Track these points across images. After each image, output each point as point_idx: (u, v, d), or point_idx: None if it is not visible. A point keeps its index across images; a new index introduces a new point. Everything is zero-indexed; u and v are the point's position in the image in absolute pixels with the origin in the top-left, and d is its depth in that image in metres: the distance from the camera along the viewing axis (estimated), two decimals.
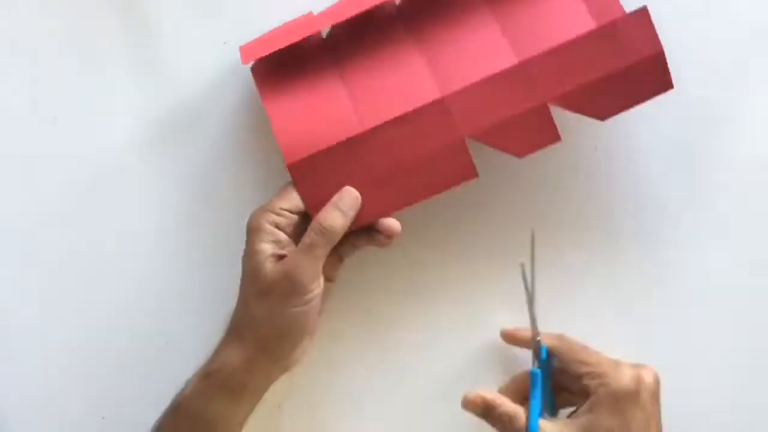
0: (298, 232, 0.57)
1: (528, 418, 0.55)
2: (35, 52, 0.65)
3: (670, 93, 0.57)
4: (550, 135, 0.57)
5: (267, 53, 0.59)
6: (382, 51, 0.59)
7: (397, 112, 0.57)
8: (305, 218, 0.58)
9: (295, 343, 0.57)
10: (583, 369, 0.56)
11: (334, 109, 0.58)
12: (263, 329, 0.56)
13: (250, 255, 0.56)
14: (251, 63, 0.61)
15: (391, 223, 0.58)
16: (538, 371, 0.57)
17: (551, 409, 0.58)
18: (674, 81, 0.57)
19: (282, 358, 0.57)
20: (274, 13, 0.64)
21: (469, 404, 0.57)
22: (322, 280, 0.56)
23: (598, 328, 0.61)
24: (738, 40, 0.64)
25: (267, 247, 0.56)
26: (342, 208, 0.57)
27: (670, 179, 0.63)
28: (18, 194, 0.65)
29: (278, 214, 0.57)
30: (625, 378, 0.55)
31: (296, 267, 0.55)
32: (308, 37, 0.60)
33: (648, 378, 0.55)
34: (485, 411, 0.56)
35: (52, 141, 0.65)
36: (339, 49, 0.60)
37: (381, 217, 0.57)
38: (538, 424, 0.55)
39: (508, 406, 0.56)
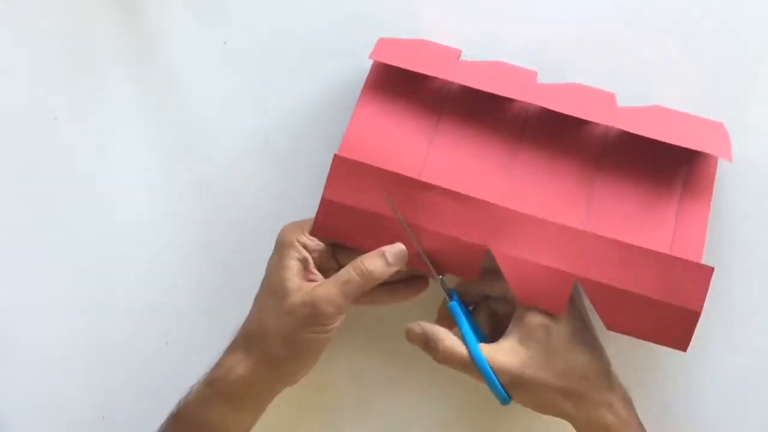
0: (322, 261, 0.57)
1: (468, 346, 0.56)
2: (35, 52, 0.65)
3: None
4: (557, 304, 0.56)
5: (397, 65, 0.59)
6: (483, 132, 0.59)
7: (454, 187, 0.57)
8: (333, 251, 0.58)
9: (305, 365, 0.57)
10: (504, 285, 0.57)
11: (410, 146, 0.58)
12: (275, 347, 0.56)
13: (277, 268, 0.56)
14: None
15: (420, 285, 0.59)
16: (454, 303, 0.58)
17: (482, 338, 0.58)
18: None
19: (288, 375, 0.57)
20: (274, 13, 0.64)
21: (412, 336, 0.57)
22: (344, 315, 0.56)
23: None
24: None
25: (295, 264, 0.56)
26: (389, 259, 0.56)
27: None
28: (18, 194, 0.65)
29: (309, 238, 0.57)
30: None
31: (325, 298, 0.55)
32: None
33: None
34: (426, 343, 0.56)
35: (52, 141, 0.65)
36: (451, 100, 0.60)
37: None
38: (479, 348, 0.55)
39: (449, 339, 0.56)
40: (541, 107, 0.59)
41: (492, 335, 0.58)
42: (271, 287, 0.56)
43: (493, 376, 0.55)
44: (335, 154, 0.57)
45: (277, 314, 0.55)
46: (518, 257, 0.56)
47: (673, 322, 0.55)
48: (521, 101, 0.59)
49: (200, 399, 0.56)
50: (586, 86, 0.60)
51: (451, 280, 0.58)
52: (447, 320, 0.59)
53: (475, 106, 0.59)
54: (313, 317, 0.55)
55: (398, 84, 0.60)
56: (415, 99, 0.60)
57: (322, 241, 0.57)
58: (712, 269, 0.55)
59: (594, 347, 0.56)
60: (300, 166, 0.64)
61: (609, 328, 0.56)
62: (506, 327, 0.57)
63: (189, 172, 0.65)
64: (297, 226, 0.57)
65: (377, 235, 0.57)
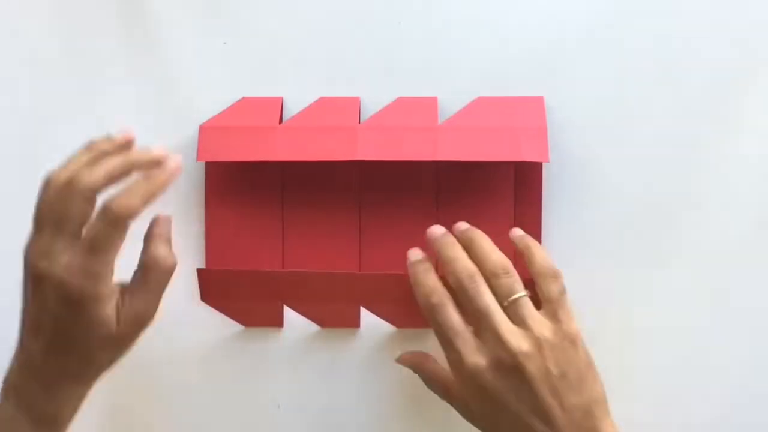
0: None
1: None
2: (35, 52, 0.65)
3: None
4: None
5: (225, 160, 0.61)
6: (324, 196, 0.62)
7: (315, 264, 0.62)
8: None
9: None
10: None
11: (265, 236, 0.63)
12: (103, 369, 0.54)
13: (93, 325, 0.52)
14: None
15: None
16: None
17: None
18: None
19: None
20: (276, 13, 0.64)
21: (403, 360, 0.60)
22: None
23: None
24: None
25: (108, 312, 0.52)
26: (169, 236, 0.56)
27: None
28: (18, 194, 0.64)
29: (101, 276, 0.51)
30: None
31: (147, 311, 0.54)
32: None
33: None
34: (415, 365, 0.59)
35: (52, 141, 0.65)
36: (287, 169, 0.62)
37: None
38: None
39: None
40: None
41: None
42: (92, 339, 0.52)
43: None
44: (198, 269, 0.61)
45: (108, 350, 0.54)
46: (387, 308, 0.62)
47: None
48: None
49: None
50: (406, 101, 0.62)
51: None
52: None
53: (308, 168, 0.62)
54: (142, 331, 0.54)
55: (234, 172, 0.63)
56: (254, 183, 0.63)
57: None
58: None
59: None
60: None
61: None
62: None
63: (188, 172, 0.65)
64: (83, 271, 0.51)
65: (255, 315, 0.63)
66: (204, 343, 0.65)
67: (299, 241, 0.62)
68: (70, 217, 0.51)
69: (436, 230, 0.57)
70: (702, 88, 0.63)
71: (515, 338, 0.52)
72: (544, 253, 0.56)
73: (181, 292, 0.64)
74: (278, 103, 0.63)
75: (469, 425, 0.56)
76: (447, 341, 0.53)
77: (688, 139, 0.63)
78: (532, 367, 0.51)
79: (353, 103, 0.62)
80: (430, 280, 0.55)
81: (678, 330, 0.64)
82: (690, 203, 0.64)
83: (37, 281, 0.52)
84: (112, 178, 0.52)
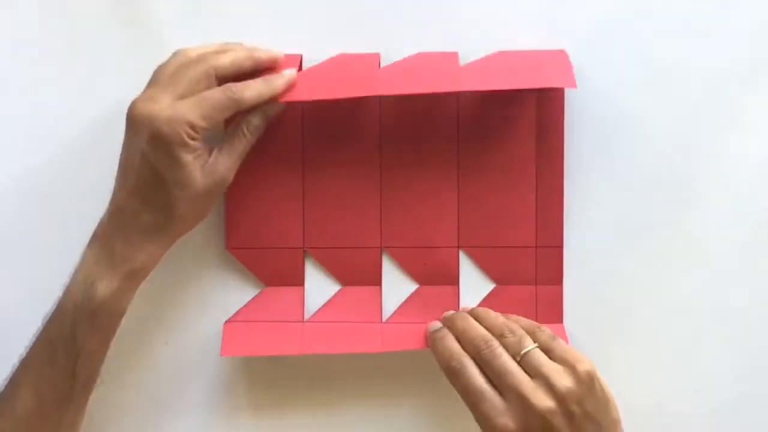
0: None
1: None
2: (35, 53, 0.65)
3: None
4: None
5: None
6: (346, 141, 0.62)
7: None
8: None
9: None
10: None
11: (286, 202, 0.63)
12: (189, 224, 0.59)
13: (175, 167, 0.55)
14: None
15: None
16: None
17: None
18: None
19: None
20: (275, 14, 0.64)
21: None
22: None
23: None
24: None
25: (191, 159, 0.55)
26: (269, 112, 0.59)
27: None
28: (19, 194, 0.65)
29: (195, 131, 0.55)
30: None
31: (229, 172, 0.58)
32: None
33: None
34: None
35: (52, 141, 0.65)
36: (309, 127, 0.62)
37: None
38: None
39: None
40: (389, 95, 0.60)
41: None
42: (178, 184, 0.56)
43: None
44: (226, 216, 0.63)
45: (191, 202, 0.57)
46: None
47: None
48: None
49: (121, 292, 0.57)
50: (426, 54, 0.61)
51: None
52: None
53: (329, 115, 0.62)
54: (221, 190, 0.59)
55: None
56: (274, 144, 0.62)
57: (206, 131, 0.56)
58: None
59: None
60: None
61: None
62: None
63: None
64: (178, 120, 0.54)
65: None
66: (203, 341, 0.65)
67: (320, 193, 0.63)
68: (184, 80, 0.55)
69: (447, 312, 0.61)
70: (703, 88, 0.63)
71: (538, 396, 0.53)
72: (523, 319, 0.60)
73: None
74: (297, 60, 0.62)
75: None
76: (473, 404, 0.55)
77: (688, 139, 0.64)
78: (559, 421, 0.53)
79: (373, 58, 0.62)
80: (448, 345, 0.58)
81: (678, 329, 0.64)
82: (691, 203, 0.64)
83: (133, 122, 0.55)
84: (235, 65, 0.57)
